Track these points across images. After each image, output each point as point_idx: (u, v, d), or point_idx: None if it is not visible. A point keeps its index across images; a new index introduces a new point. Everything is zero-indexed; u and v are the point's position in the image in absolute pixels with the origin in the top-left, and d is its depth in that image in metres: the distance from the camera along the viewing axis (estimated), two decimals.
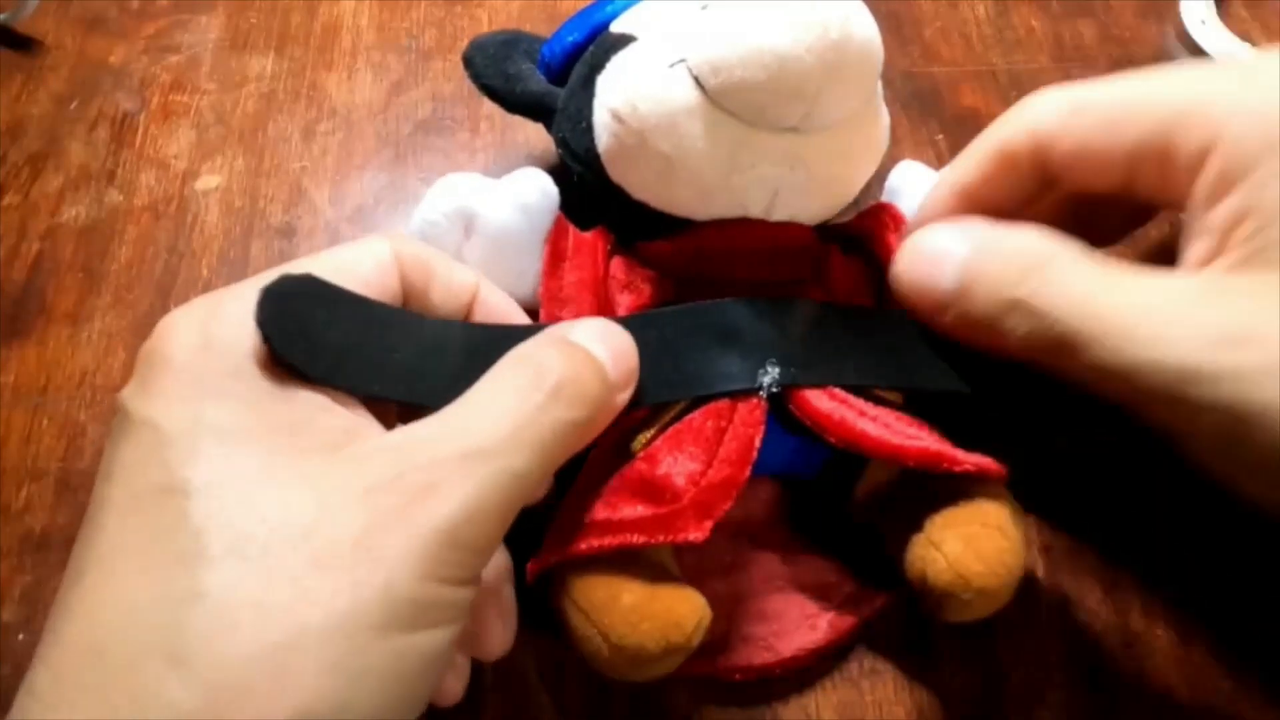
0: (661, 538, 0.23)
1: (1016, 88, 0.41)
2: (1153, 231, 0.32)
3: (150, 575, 0.17)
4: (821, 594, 0.27)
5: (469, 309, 0.25)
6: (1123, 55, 0.42)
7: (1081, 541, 0.29)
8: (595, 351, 0.22)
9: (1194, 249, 0.22)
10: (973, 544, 0.23)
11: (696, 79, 0.24)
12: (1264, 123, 0.21)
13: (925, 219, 0.26)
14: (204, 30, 0.42)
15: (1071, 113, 0.24)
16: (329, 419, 0.20)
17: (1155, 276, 0.22)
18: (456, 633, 0.19)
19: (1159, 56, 0.42)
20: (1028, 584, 0.27)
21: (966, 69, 0.41)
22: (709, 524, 0.23)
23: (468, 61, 0.31)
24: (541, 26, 0.42)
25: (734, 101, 0.24)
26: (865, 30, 0.24)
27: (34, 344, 0.33)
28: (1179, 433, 0.21)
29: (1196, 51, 0.42)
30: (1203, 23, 0.42)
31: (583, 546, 0.23)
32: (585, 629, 0.23)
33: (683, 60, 0.24)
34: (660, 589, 0.23)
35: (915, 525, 0.25)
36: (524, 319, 0.26)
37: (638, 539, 0.23)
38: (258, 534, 0.17)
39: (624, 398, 0.23)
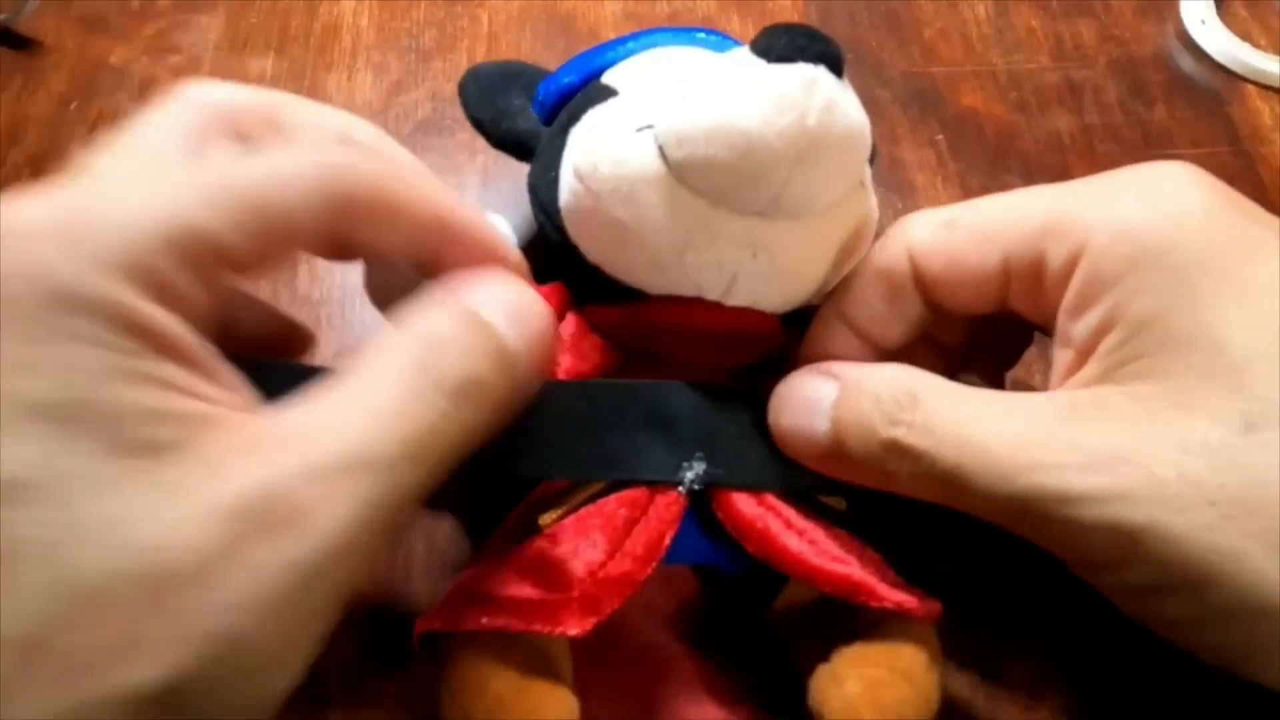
0: (539, 627, 0.22)
1: (1016, 88, 0.41)
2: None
3: None
4: (728, 706, 0.26)
5: (436, 248, 0.20)
6: (1123, 55, 0.42)
7: None
8: (508, 337, 0.19)
9: (1061, 359, 0.22)
10: (873, 689, 0.22)
11: (661, 148, 0.22)
12: (1128, 235, 0.21)
13: (815, 352, 0.25)
14: (204, 30, 0.42)
15: (944, 227, 0.23)
16: (186, 402, 0.16)
17: (1024, 399, 0.21)
18: (306, 665, 0.17)
19: (1159, 56, 0.42)
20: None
21: (966, 69, 0.41)
22: (592, 621, 0.22)
23: (462, 89, 0.30)
24: (541, 27, 0.42)
25: (696, 177, 0.22)
26: (849, 120, 0.22)
27: None
28: (1078, 559, 0.21)
29: (1196, 51, 0.42)
30: (1203, 22, 0.42)
31: (462, 624, 0.22)
32: (450, 710, 0.22)
33: (650, 126, 0.23)
34: (530, 683, 0.22)
35: (826, 652, 0.23)
36: (514, 254, 0.22)
37: (516, 624, 0.22)
38: (84, 561, 0.14)
39: (530, 391, 0.20)
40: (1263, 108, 0.40)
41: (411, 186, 0.19)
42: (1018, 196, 0.23)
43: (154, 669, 0.14)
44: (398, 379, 0.17)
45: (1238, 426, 0.19)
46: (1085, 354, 0.21)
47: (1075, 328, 0.21)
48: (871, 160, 0.25)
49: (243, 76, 0.40)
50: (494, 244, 0.21)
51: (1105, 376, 0.20)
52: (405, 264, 0.20)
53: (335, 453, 0.16)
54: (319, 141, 0.21)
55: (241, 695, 0.15)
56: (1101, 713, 0.27)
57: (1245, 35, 0.42)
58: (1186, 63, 0.42)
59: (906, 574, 0.24)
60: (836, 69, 0.22)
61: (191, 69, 0.41)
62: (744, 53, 0.22)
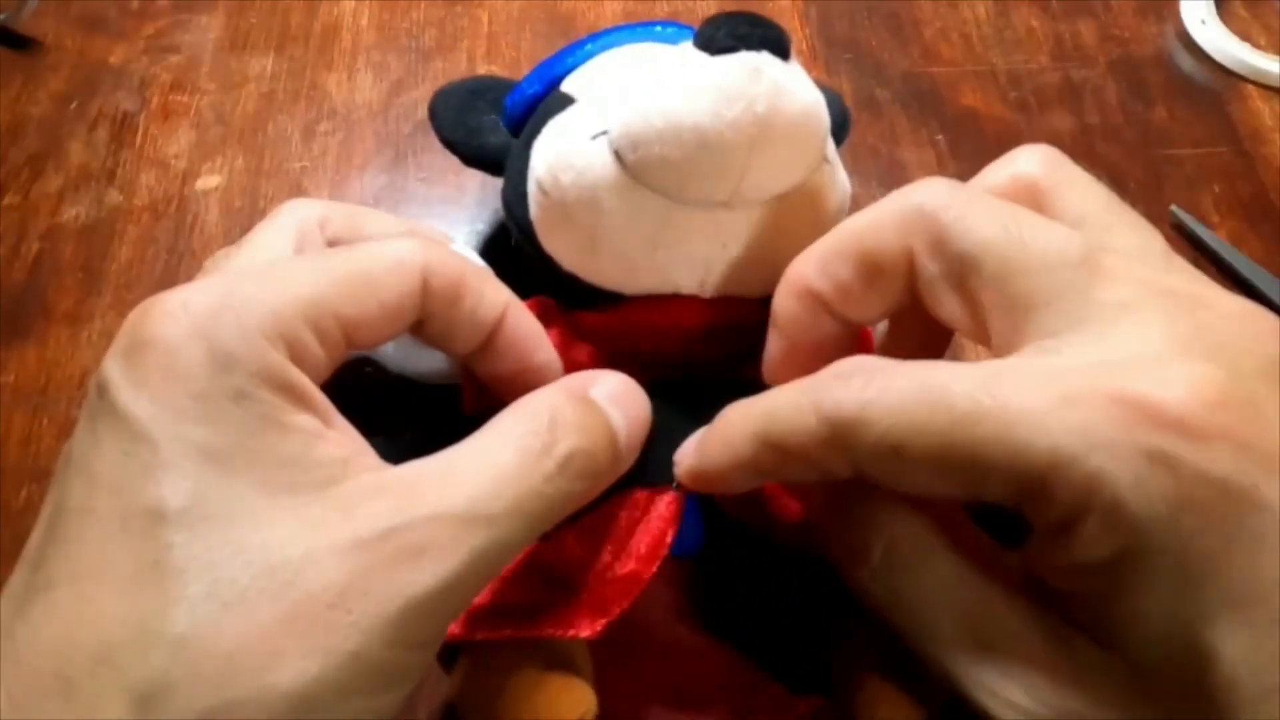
0: (550, 631, 0.22)
1: (1016, 88, 0.41)
2: None
3: (128, 610, 0.16)
4: (747, 694, 0.26)
5: (492, 334, 0.22)
6: (1123, 55, 0.42)
7: None
8: (613, 418, 0.21)
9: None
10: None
11: (616, 153, 0.23)
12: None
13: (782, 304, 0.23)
14: (204, 30, 0.42)
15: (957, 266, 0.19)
16: (324, 449, 0.19)
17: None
18: (411, 690, 0.19)
19: (1159, 56, 0.42)
20: None
21: (966, 69, 0.41)
22: (602, 622, 0.22)
23: (432, 112, 0.30)
24: (541, 27, 0.42)
25: (654, 178, 0.22)
26: (799, 101, 0.22)
27: (34, 344, 0.33)
28: None
29: (1196, 51, 0.42)
30: (1202, 22, 0.42)
31: (477, 634, 0.22)
32: (471, 713, 0.22)
33: (604, 132, 0.23)
34: (547, 678, 0.22)
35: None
36: (550, 353, 0.24)
37: (526, 631, 0.22)
38: (239, 579, 0.17)
39: (625, 468, 0.22)
40: (1263, 108, 0.40)
41: (481, 276, 0.22)
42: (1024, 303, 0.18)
43: (291, 676, 0.16)
44: (515, 445, 0.19)
45: None
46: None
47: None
48: (841, 137, 0.24)
49: (242, 76, 0.40)
50: (541, 336, 0.23)
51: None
52: (464, 349, 0.22)
53: (454, 503, 0.18)
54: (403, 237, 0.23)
55: (357, 709, 0.17)
56: None
57: (1245, 35, 0.42)
58: (1186, 63, 0.42)
59: None
60: (781, 52, 0.21)
61: (191, 68, 0.41)
62: (688, 47, 0.22)
